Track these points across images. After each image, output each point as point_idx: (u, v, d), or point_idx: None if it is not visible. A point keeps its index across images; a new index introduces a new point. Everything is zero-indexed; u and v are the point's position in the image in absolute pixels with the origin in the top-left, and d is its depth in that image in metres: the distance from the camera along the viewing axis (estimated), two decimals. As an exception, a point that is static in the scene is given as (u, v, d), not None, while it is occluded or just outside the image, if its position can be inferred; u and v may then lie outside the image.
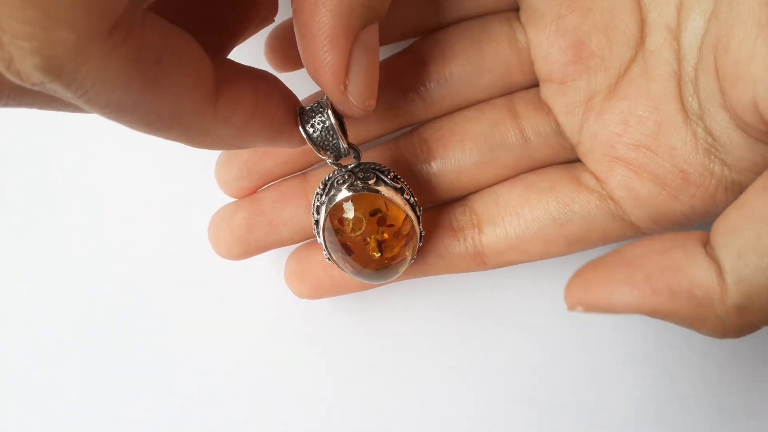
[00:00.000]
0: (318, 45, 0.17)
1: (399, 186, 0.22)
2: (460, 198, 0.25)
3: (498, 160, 0.24)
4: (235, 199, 0.26)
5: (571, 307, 0.17)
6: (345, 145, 0.21)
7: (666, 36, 0.22)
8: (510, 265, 0.25)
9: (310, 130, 0.20)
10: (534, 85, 0.25)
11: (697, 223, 0.22)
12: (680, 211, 0.22)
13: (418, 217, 0.23)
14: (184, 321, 0.29)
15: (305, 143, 0.20)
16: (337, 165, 0.22)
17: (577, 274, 0.18)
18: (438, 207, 0.25)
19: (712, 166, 0.21)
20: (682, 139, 0.21)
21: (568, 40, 0.23)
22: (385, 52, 0.26)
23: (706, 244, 0.16)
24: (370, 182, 0.22)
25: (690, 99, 0.21)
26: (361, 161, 0.22)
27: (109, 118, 0.15)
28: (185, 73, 0.16)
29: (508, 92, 0.25)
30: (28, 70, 0.13)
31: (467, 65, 0.24)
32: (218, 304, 0.29)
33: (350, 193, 0.22)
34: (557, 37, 0.23)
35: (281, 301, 0.28)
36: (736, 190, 0.21)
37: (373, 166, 0.23)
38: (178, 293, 0.29)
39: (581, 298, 0.17)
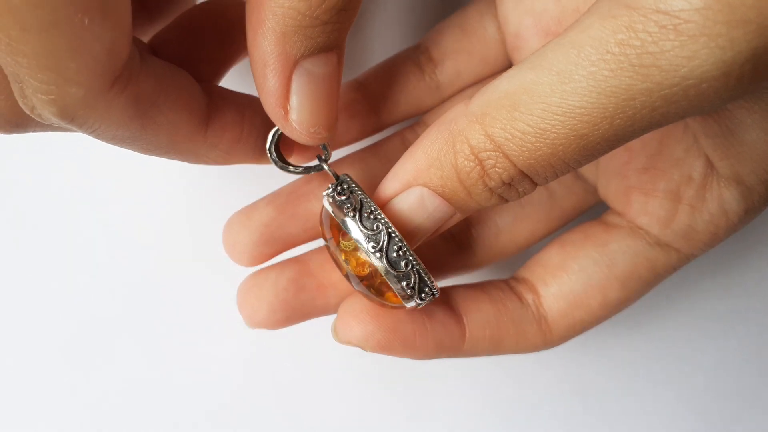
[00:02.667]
0: (258, 70, 0.19)
1: (342, 199, 0.20)
2: (502, 260, 0.26)
3: (531, 216, 0.25)
4: (246, 267, 0.24)
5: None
6: (277, 167, 0.22)
7: None
8: (576, 331, 0.24)
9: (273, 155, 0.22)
10: None
11: (723, 237, 0.22)
12: (702, 220, 0.22)
13: (376, 244, 0.19)
14: (185, 327, 0.29)
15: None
16: (333, 174, 0.22)
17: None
18: (495, 281, 0.25)
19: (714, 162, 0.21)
20: (685, 148, 0.22)
21: None
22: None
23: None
24: (336, 196, 0.20)
25: None
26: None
27: (115, 145, 0.19)
28: (178, 110, 0.19)
29: None
30: (47, 115, 0.16)
31: None
32: (217, 307, 0.29)
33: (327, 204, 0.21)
34: None
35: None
36: (739, 182, 0.21)
37: (345, 181, 0.21)
38: (179, 299, 0.29)
39: None
